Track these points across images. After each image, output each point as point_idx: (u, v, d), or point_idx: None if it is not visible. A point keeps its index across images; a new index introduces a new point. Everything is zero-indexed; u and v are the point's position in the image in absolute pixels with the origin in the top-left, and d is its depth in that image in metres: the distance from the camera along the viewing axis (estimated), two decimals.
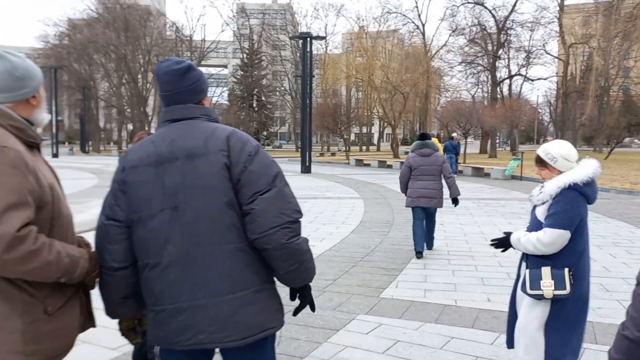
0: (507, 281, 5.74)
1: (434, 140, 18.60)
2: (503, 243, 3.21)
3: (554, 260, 2.94)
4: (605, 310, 4.98)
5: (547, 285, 2.89)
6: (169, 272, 1.94)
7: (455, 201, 7.38)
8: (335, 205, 12.75)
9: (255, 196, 1.89)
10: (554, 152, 3.03)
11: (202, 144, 1.95)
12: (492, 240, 3.31)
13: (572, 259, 2.95)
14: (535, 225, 3.06)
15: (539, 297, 2.93)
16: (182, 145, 1.96)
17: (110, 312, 2.13)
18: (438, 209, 7.65)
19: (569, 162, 3.00)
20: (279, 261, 1.94)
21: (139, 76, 54.18)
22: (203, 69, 60.40)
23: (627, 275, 6.19)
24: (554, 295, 2.89)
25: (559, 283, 2.88)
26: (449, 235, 8.77)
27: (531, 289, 2.94)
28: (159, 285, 1.97)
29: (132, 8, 53.48)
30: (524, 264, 3.14)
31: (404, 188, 7.48)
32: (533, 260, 3.02)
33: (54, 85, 39.56)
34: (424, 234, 7.34)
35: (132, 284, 2.05)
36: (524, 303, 3.08)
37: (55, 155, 41.39)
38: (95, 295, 2.09)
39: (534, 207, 3.13)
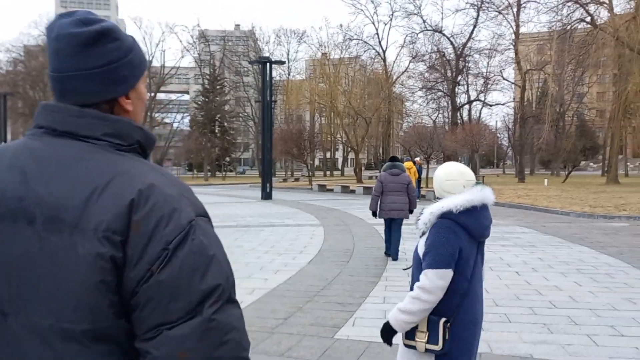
0: None
1: (410, 164, 19.09)
2: (387, 331, 2.50)
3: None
4: (575, 347, 4.61)
5: (421, 337, 2.37)
6: None
7: (411, 211, 8.81)
8: (294, 233, 12.24)
9: (159, 330, 0.96)
10: (434, 177, 2.64)
11: (78, 203, 0.98)
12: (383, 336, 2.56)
13: (450, 305, 2.39)
14: (416, 261, 2.56)
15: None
16: (41, 194, 0.99)
17: None
18: (403, 233, 9.00)
19: (440, 185, 2.61)
20: None
21: None
22: (162, 95, 59.41)
23: (595, 306, 5.88)
24: (426, 349, 2.37)
25: (432, 335, 2.36)
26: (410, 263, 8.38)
27: (406, 337, 2.43)
28: None
29: None
30: None
31: (375, 204, 8.87)
32: None
33: (4, 112, 38.06)
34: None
35: None
36: (399, 352, 2.53)
37: None
38: None
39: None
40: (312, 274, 7.75)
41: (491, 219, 2.57)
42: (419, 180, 23.09)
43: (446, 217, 2.42)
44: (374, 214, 9.00)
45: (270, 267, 8.25)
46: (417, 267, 2.52)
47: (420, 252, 2.49)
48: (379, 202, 8.88)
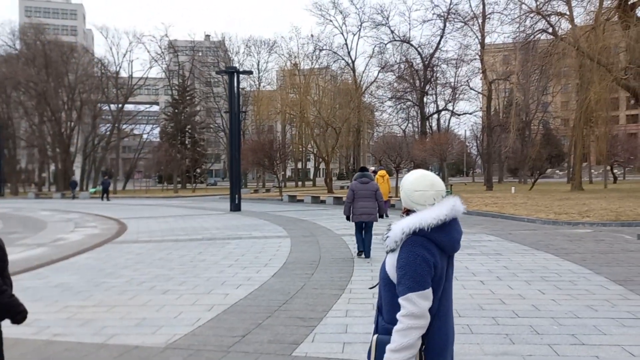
0: None
1: (384, 172, 19.32)
2: None
3: None
4: (536, 358, 4.54)
5: None
6: None
7: (381, 216, 10.08)
8: (260, 245, 12.03)
9: None
10: (402, 185, 2.43)
11: None
12: None
13: None
14: (383, 277, 2.36)
15: None
16: None
17: None
18: (374, 228, 10.05)
19: (408, 196, 2.38)
20: None
21: (62, 114, 51.78)
22: (131, 106, 58.65)
23: (557, 314, 5.85)
24: None
25: None
26: (376, 275, 8.27)
27: None
28: None
29: (53, 44, 51.43)
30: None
31: (348, 209, 9.93)
32: (382, 325, 2.28)
33: None
34: (362, 238, 9.93)
35: None
36: None
37: None
38: None
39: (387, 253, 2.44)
40: (275, 288, 7.55)
41: (461, 230, 2.41)
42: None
43: (418, 234, 2.25)
44: (348, 218, 10.00)
45: (232, 282, 8.03)
46: (385, 284, 2.33)
47: (389, 269, 2.30)
48: (351, 208, 9.92)
